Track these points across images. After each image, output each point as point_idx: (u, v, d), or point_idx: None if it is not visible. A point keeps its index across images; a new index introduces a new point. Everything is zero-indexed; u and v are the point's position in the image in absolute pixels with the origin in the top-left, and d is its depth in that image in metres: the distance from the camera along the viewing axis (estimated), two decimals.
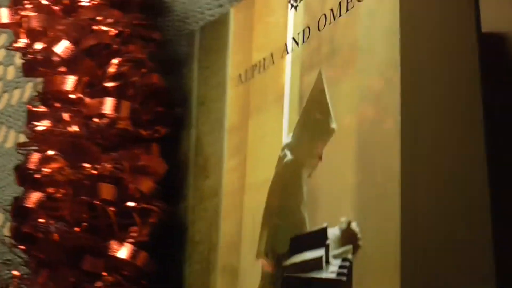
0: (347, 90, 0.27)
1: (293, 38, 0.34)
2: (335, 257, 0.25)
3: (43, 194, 0.43)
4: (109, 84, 0.43)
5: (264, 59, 0.37)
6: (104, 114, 0.42)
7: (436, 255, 0.20)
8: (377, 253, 0.22)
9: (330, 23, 0.30)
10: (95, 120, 0.43)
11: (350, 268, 0.24)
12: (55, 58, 0.45)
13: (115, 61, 0.44)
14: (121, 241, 0.42)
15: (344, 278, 0.24)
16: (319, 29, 0.31)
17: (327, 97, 0.29)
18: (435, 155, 0.22)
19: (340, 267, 0.25)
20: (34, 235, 0.44)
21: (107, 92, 0.43)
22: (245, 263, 0.34)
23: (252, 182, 0.36)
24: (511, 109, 0.25)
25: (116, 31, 0.45)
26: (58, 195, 0.43)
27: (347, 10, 0.28)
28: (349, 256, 0.24)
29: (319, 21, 0.31)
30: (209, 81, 0.43)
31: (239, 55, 0.40)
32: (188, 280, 0.40)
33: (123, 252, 0.41)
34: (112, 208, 0.42)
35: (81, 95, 0.43)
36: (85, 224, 0.42)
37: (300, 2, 0.34)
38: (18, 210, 0.44)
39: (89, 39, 0.44)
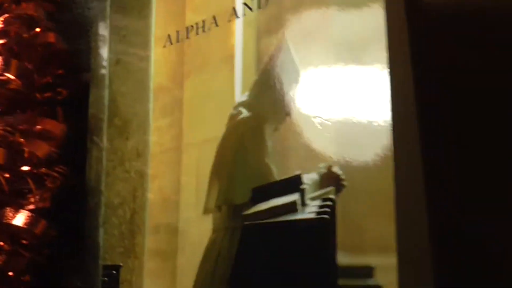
0: (319, 51, 0.30)
1: (245, 4, 0.35)
2: (313, 199, 0.28)
3: None
4: None
5: (203, 21, 0.37)
6: None
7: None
8: (368, 191, 0.26)
9: None
10: None
11: (333, 208, 0.27)
12: None
13: (0, 18, 0.40)
14: (18, 208, 0.38)
15: (326, 216, 0.27)
16: None
17: (294, 58, 0.31)
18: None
19: (321, 207, 0.28)
20: None
21: None
22: (187, 220, 0.35)
23: (191, 141, 0.36)
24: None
25: None
26: None
27: None
28: (332, 196, 0.27)
29: None
30: (127, 40, 0.42)
31: (167, 15, 0.40)
32: (105, 245, 0.38)
33: (19, 219, 0.38)
34: (6, 174, 0.38)
35: None
36: None
37: None
38: None
39: None
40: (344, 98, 0.28)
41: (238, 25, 0.35)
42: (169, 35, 0.40)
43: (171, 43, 0.39)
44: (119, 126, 0.41)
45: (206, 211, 0.34)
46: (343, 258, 0.26)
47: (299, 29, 0.31)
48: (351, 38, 0.29)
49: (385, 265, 0.25)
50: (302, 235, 0.28)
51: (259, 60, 0.33)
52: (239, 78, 0.34)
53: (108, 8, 0.43)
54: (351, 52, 0.29)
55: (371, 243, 0.25)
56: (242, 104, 0.34)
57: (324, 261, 0.27)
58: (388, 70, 0.27)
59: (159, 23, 0.41)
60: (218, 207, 0.33)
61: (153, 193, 0.37)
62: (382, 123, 0.26)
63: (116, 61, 0.42)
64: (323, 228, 0.27)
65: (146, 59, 0.41)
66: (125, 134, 0.40)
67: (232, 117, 0.34)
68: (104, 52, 0.42)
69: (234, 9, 0.36)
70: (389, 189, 0.25)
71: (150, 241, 0.37)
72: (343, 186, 0.27)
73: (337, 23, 0.30)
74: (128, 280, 0.37)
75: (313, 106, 0.30)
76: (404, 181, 0.25)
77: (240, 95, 0.34)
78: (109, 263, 0.38)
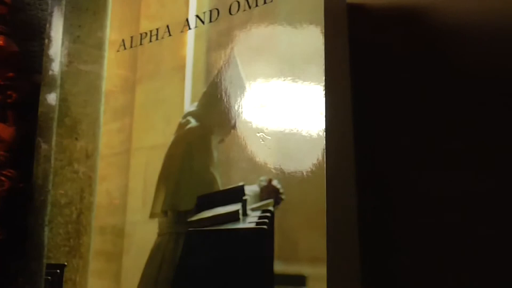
0: (265, 70, 0.32)
1: (197, 16, 0.36)
2: (253, 210, 0.30)
3: None
4: None
5: (157, 29, 0.38)
6: None
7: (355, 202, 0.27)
8: (303, 204, 0.28)
9: (244, 9, 0.34)
10: None
11: (271, 218, 0.29)
12: None
13: None
14: None
15: (265, 227, 0.29)
16: (230, 13, 0.35)
17: (241, 73, 0.33)
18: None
19: (260, 217, 0.29)
20: None
21: None
22: (133, 224, 0.36)
23: (140, 145, 0.37)
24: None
25: None
26: None
27: (265, 2, 0.33)
28: (270, 208, 0.29)
29: (230, 6, 0.35)
30: (81, 40, 0.42)
31: (122, 20, 0.41)
32: (50, 244, 0.39)
33: None
34: None
35: None
36: None
37: None
38: None
39: None
40: (285, 114, 0.30)
41: (190, 37, 0.37)
42: (123, 40, 0.40)
43: (125, 48, 0.40)
44: (69, 126, 0.41)
45: (152, 215, 0.35)
46: (278, 267, 0.28)
47: (247, 45, 0.33)
48: (294, 55, 0.31)
49: (316, 275, 0.27)
50: (242, 243, 0.30)
51: (208, 72, 0.35)
52: (189, 88, 0.36)
53: (62, 9, 0.43)
54: (293, 69, 0.31)
55: (304, 254, 0.27)
56: (190, 113, 0.35)
57: (261, 268, 0.28)
58: (324, 88, 0.29)
59: (114, 26, 0.41)
60: (164, 212, 0.34)
61: (101, 195, 0.38)
62: (317, 139, 0.28)
63: (68, 62, 0.42)
64: (262, 237, 0.29)
65: (99, 61, 0.41)
66: (75, 134, 0.41)
67: (181, 126, 0.35)
68: (57, 53, 0.43)
69: (187, 20, 0.37)
70: (322, 202, 0.27)
71: (95, 242, 0.37)
72: (281, 199, 0.29)
73: (282, 41, 0.32)
74: (72, 279, 0.38)
75: (257, 120, 0.31)
76: (335, 195, 0.27)
77: (189, 104, 0.35)
78: (53, 262, 0.39)
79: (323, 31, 0.29)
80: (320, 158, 0.28)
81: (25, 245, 0.40)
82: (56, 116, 0.41)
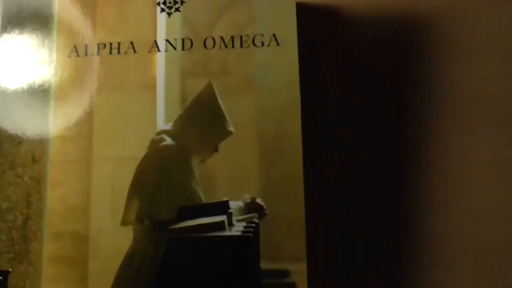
0: (245, 104, 0.38)
1: (168, 41, 0.40)
2: (239, 221, 0.37)
3: None
4: None
5: (119, 43, 0.41)
6: None
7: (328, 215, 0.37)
8: (283, 217, 0.36)
9: (220, 48, 0.40)
10: None
11: (256, 229, 0.36)
12: None
13: None
14: None
15: (251, 234, 0.36)
16: (205, 47, 0.40)
17: (220, 103, 0.39)
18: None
19: (246, 227, 0.36)
20: None
21: None
22: (100, 231, 0.38)
23: (104, 155, 0.39)
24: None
25: None
26: None
27: (242, 46, 0.39)
28: (255, 220, 0.37)
29: (205, 41, 0.40)
30: (21, 36, 0.41)
31: (73, 26, 0.41)
32: None
33: None
34: None
35: None
36: None
37: (174, 11, 0.41)
38: None
39: None
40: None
41: (160, 59, 0.40)
42: (75, 46, 0.41)
43: (78, 55, 0.41)
44: (10, 129, 0.40)
45: (124, 223, 0.38)
46: (265, 264, 0.36)
47: (225, 82, 0.39)
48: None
49: (298, 270, 0.36)
50: (229, 249, 0.36)
51: (183, 98, 0.39)
52: (162, 108, 0.39)
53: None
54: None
55: (288, 256, 0.36)
56: (165, 132, 0.39)
57: (250, 267, 0.36)
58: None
59: (62, 31, 0.41)
60: (140, 220, 0.38)
61: (54, 201, 0.39)
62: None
63: (9, 61, 0.40)
64: (248, 243, 0.36)
65: (46, 63, 0.41)
66: (18, 138, 0.40)
67: (154, 142, 0.39)
68: None
69: (155, 42, 0.40)
70: (301, 216, 0.36)
71: (50, 248, 0.38)
72: (265, 214, 0.37)
73: (260, 82, 0.39)
74: (21, 286, 0.38)
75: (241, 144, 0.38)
76: (314, 208, 0.37)
77: (162, 123, 0.39)
78: None
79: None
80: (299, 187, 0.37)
81: None
82: None
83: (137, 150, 0.39)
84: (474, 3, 0.43)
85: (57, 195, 0.39)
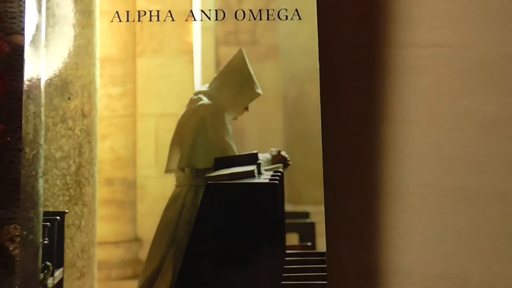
0: (271, 70, 0.44)
1: (202, 11, 0.45)
2: (266, 170, 0.43)
3: None
4: None
5: (158, 11, 0.45)
6: None
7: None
8: (304, 167, 0.43)
9: (250, 20, 0.45)
10: None
11: (281, 177, 0.43)
12: None
13: None
14: None
15: (277, 181, 0.43)
16: (236, 18, 0.45)
17: (250, 69, 0.44)
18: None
19: (273, 175, 0.43)
20: None
21: None
22: (146, 177, 0.44)
23: (147, 112, 0.45)
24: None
25: None
26: None
27: (268, 18, 0.45)
28: (281, 170, 0.43)
29: (236, 12, 0.45)
30: (66, 4, 0.45)
31: None
32: (46, 194, 0.43)
33: None
34: None
35: None
36: None
37: None
38: None
39: None
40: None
41: (196, 27, 0.45)
42: (117, 12, 0.45)
43: (120, 20, 0.45)
44: (59, 86, 0.44)
45: (167, 171, 0.44)
46: (288, 207, 0.43)
47: (253, 50, 0.45)
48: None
49: (317, 212, 0.43)
50: (258, 194, 0.43)
51: (218, 63, 0.45)
52: (199, 71, 0.45)
53: None
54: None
55: (307, 200, 0.43)
56: (202, 92, 0.45)
57: (276, 209, 0.43)
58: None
59: None
60: (181, 169, 0.44)
61: (104, 151, 0.44)
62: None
63: (53, 23, 0.44)
64: (275, 189, 0.43)
65: (89, 26, 0.45)
66: (67, 94, 0.44)
67: (192, 101, 0.45)
68: (40, 15, 0.44)
69: (191, 12, 0.45)
70: (319, 166, 0.43)
71: (102, 192, 0.44)
72: (289, 164, 0.44)
73: (284, 51, 0.45)
74: (77, 224, 0.44)
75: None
76: (331, 159, 0.44)
77: (199, 85, 0.45)
78: (51, 210, 0.43)
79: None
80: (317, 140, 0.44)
81: (16, 195, 0.43)
82: (43, 75, 0.44)
83: (177, 107, 0.44)
84: None
85: (106, 146, 0.44)
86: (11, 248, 0.46)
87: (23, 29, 0.47)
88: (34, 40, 0.44)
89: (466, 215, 0.47)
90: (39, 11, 0.44)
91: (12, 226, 0.46)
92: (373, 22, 0.49)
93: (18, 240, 0.47)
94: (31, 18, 0.44)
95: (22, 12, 0.46)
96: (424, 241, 0.46)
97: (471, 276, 0.46)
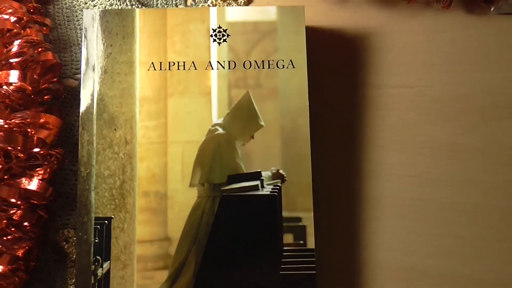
0: (271, 107, 0.57)
1: (218, 62, 0.59)
2: (268, 185, 0.56)
3: None
4: (14, 60, 0.53)
5: (184, 62, 0.59)
6: (11, 83, 0.53)
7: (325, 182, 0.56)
8: (297, 182, 0.55)
9: (255, 68, 0.58)
10: (4, 87, 0.53)
11: (279, 190, 0.56)
12: None
13: (17, 42, 0.54)
14: (31, 177, 0.54)
15: (276, 193, 0.55)
16: (244, 67, 0.58)
17: (255, 106, 0.57)
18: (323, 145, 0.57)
19: (273, 189, 0.56)
20: None
21: (12, 66, 0.53)
22: (174, 190, 0.56)
23: (175, 139, 0.57)
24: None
25: (16, 18, 0.55)
26: None
27: (269, 67, 0.58)
28: (279, 184, 0.56)
29: (244, 63, 0.58)
30: (113, 57, 0.58)
31: (149, 47, 0.59)
32: (98, 203, 0.56)
33: (33, 185, 0.53)
34: (21, 154, 0.53)
35: None
36: (0, 167, 0.52)
37: (222, 41, 0.59)
38: None
39: None
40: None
41: (213, 75, 0.59)
42: (152, 63, 0.59)
43: (155, 69, 0.59)
44: (107, 119, 0.57)
45: (191, 185, 0.56)
46: (285, 213, 0.55)
47: (258, 92, 0.58)
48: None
49: (307, 217, 0.55)
50: (261, 203, 0.56)
51: (230, 101, 0.58)
52: (215, 108, 0.58)
53: (96, 30, 0.58)
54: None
55: (300, 208, 0.56)
56: (218, 124, 0.58)
57: (275, 215, 0.55)
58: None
59: (142, 52, 0.59)
60: (202, 184, 0.56)
61: (142, 170, 0.57)
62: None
63: (104, 71, 0.58)
64: (275, 199, 0.56)
65: (130, 74, 0.59)
66: (113, 126, 0.58)
67: (211, 131, 0.57)
68: (93, 62, 0.58)
69: (209, 62, 0.59)
70: (309, 182, 0.55)
71: (140, 202, 0.56)
72: (285, 180, 0.56)
73: (281, 92, 0.58)
74: (121, 227, 0.56)
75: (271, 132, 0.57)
76: (318, 176, 0.56)
77: (216, 119, 0.58)
78: (101, 215, 0.56)
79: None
80: (306, 153, 0.56)
81: (75, 204, 0.56)
82: (95, 111, 0.57)
83: (199, 136, 0.57)
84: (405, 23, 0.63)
85: (143, 166, 0.57)
86: (66, 247, 0.59)
87: (74, 74, 0.60)
88: (87, 84, 0.57)
89: (425, 221, 0.59)
90: (91, 62, 0.58)
91: (66, 230, 0.59)
92: (352, 68, 0.63)
93: (71, 241, 0.59)
94: (84, 67, 0.57)
95: (73, 61, 0.60)
96: (393, 241, 0.58)
97: (430, 269, 0.58)
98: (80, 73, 0.61)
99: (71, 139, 0.59)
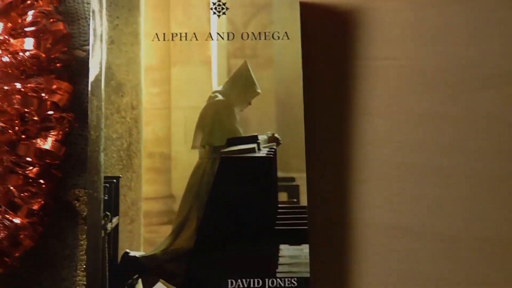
0: (267, 75, 0.62)
1: (218, 33, 0.63)
2: (264, 147, 0.61)
3: None
4: (28, 29, 0.57)
5: (186, 33, 0.63)
6: (26, 49, 0.57)
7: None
8: (291, 145, 0.60)
9: (252, 39, 0.62)
10: (20, 54, 0.57)
11: (275, 152, 0.60)
12: None
13: (31, 12, 0.58)
14: (45, 138, 0.58)
15: (272, 155, 0.60)
16: (242, 38, 0.63)
17: (252, 75, 0.62)
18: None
19: (268, 151, 0.60)
20: None
21: (27, 35, 0.57)
22: (178, 151, 0.61)
23: (178, 105, 0.62)
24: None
25: None
26: None
27: (265, 38, 0.62)
28: (274, 147, 0.60)
29: (242, 34, 0.63)
30: (120, 28, 0.62)
31: (153, 19, 0.63)
32: (107, 164, 0.60)
33: (47, 145, 0.58)
34: (36, 117, 0.57)
35: (6, 37, 0.56)
36: (17, 129, 0.56)
37: (222, 14, 0.63)
38: None
39: None
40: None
41: (213, 45, 0.63)
42: (156, 34, 0.63)
43: (159, 40, 0.63)
44: (115, 87, 0.62)
45: (193, 147, 0.61)
46: (280, 173, 0.60)
47: (255, 61, 0.62)
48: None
49: (300, 177, 0.60)
50: (258, 164, 0.60)
51: (229, 70, 0.62)
52: (215, 77, 0.62)
53: (103, 3, 0.62)
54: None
55: (294, 169, 0.60)
56: (217, 91, 0.62)
57: (271, 175, 0.60)
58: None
59: (147, 23, 0.63)
60: (203, 146, 0.61)
61: (147, 133, 0.61)
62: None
63: (111, 41, 0.62)
64: (270, 161, 0.60)
65: (136, 44, 0.63)
66: (120, 92, 0.62)
67: (211, 98, 0.62)
68: (100, 34, 0.62)
69: (210, 34, 0.63)
70: (302, 143, 0.60)
71: (146, 162, 0.61)
72: (280, 143, 0.61)
73: (276, 62, 0.62)
74: (128, 185, 0.61)
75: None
76: (310, 140, 0.61)
77: (216, 86, 0.62)
78: (110, 175, 0.60)
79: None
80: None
81: (85, 165, 0.60)
82: (103, 78, 0.61)
83: (200, 102, 0.62)
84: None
85: (149, 130, 0.61)
86: (76, 205, 0.63)
87: (81, 46, 0.64)
88: (96, 54, 0.61)
89: (408, 182, 0.64)
90: (98, 33, 0.62)
91: (77, 190, 0.64)
92: (343, 41, 0.67)
93: (81, 199, 0.64)
94: (93, 38, 0.61)
95: (80, 33, 0.64)
96: (378, 201, 0.64)
97: (412, 227, 0.63)
98: (87, 45, 0.65)
99: (80, 106, 0.64)
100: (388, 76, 0.67)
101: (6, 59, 0.56)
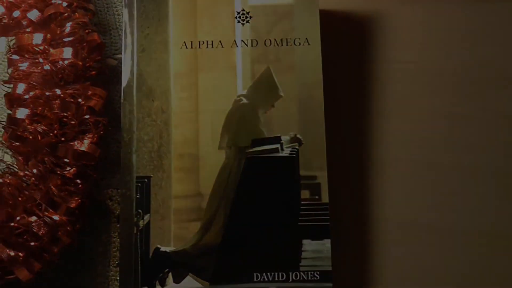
0: (289, 80, 0.65)
1: (242, 40, 0.66)
2: (287, 147, 0.64)
3: (29, 110, 0.58)
4: (67, 39, 0.61)
5: (212, 41, 0.66)
6: (65, 58, 0.61)
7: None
8: (312, 145, 0.63)
9: (274, 46, 0.66)
10: (60, 62, 0.61)
11: (297, 152, 0.64)
12: (24, 22, 0.60)
13: (68, 24, 0.62)
14: (82, 140, 0.62)
15: (294, 155, 0.63)
16: (265, 45, 0.66)
17: (275, 79, 0.65)
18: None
19: (291, 151, 0.64)
20: (24, 137, 0.58)
21: (65, 45, 0.61)
22: (205, 152, 0.64)
23: (205, 108, 0.65)
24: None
25: (67, 3, 0.63)
26: (39, 111, 0.59)
27: (287, 45, 0.66)
28: (297, 147, 0.64)
29: (265, 41, 0.66)
30: (150, 37, 0.66)
31: (182, 28, 0.67)
32: (138, 164, 0.64)
33: (84, 147, 0.62)
34: (73, 121, 0.61)
35: (46, 46, 0.61)
36: (56, 132, 0.60)
37: (246, 22, 0.67)
38: (9, 120, 0.58)
39: (49, 9, 0.62)
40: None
41: (238, 52, 0.66)
42: (184, 42, 0.67)
43: (186, 47, 0.66)
44: (146, 92, 0.66)
45: (220, 148, 0.64)
46: (302, 172, 0.63)
47: (277, 66, 0.66)
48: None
49: (322, 175, 0.63)
50: (281, 163, 0.64)
51: (253, 75, 0.66)
52: (240, 81, 0.66)
53: (134, 14, 0.66)
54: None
55: (315, 167, 0.63)
56: (242, 95, 0.66)
57: (294, 173, 0.63)
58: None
59: (175, 33, 0.67)
60: (229, 147, 0.64)
61: (176, 135, 0.65)
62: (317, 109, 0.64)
63: (142, 50, 0.66)
64: (293, 160, 0.63)
65: (166, 52, 0.67)
66: (151, 97, 0.66)
67: (236, 101, 0.65)
68: (132, 42, 0.66)
69: (235, 41, 0.67)
70: (323, 144, 0.63)
71: (175, 163, 0.65)
72: (302, 143, 0.64)
73: (298, 67, 0.66)
74: (159, 184, 0.64)
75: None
76: (331, 140, 0.64)
77: (241, 90, 0.66)
78: (141, 174, 0.64)
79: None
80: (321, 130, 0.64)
81: (119, 165, 0.64)
82: (134, 84, 0.65)
83: (226, 106, 0.65)
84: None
85: (178, 132, 0.65)
86: (110, 205, 0.67)
87: (113, 55, 0.68)
88: (128, 62, 0.65)
89: (425, 180, 0.66)
90: (130, 42, 0.66)
91: (110, 190, 0.68)
92: (361, 46, 0.70)
93: (114, 199, 0.68)
94: (125, 47, 0.65)
95: (112, 43, 0.68)
96: (397, 197, 0.66)
97: (430, 222, 0.66)
98: (118, 54, 0.69)
99: (113, 111, 0.68)
100: (405, 78, 0.70)
101: (47, 67, 0.60)
